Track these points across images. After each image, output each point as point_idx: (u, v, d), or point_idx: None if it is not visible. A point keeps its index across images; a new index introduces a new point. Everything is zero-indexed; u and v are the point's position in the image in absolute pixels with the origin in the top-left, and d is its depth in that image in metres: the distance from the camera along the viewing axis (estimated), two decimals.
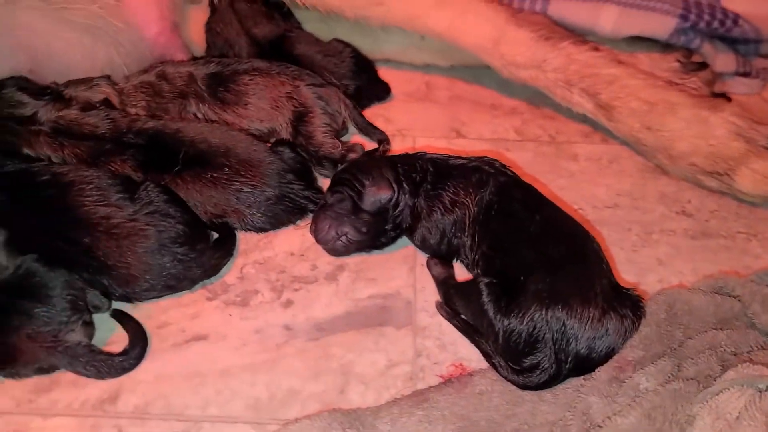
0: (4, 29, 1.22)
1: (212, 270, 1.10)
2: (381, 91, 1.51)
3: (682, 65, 1.48)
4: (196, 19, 1.50)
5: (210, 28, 1.47)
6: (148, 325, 1.03)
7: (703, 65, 1.48)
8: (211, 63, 1.35)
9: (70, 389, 0.96)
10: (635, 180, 1.32)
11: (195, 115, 1.32)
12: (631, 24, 1.51)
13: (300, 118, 1.29)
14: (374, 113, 1.46)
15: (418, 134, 1.43)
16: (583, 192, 1.28)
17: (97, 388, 0.96)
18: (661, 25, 1.49)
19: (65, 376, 0.97)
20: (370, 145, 1.35)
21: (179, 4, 1.47)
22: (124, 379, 0.97)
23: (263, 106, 1.31)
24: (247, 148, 1.18)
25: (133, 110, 1.31)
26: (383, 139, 1.33)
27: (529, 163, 1.34)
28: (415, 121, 1.46)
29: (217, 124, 1.28)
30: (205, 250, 1.08)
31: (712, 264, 1.14)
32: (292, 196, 1.16)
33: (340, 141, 1.30)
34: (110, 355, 0.98)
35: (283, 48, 1.43)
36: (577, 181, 1.31)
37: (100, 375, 0.97)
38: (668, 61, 1.49)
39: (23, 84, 1.25)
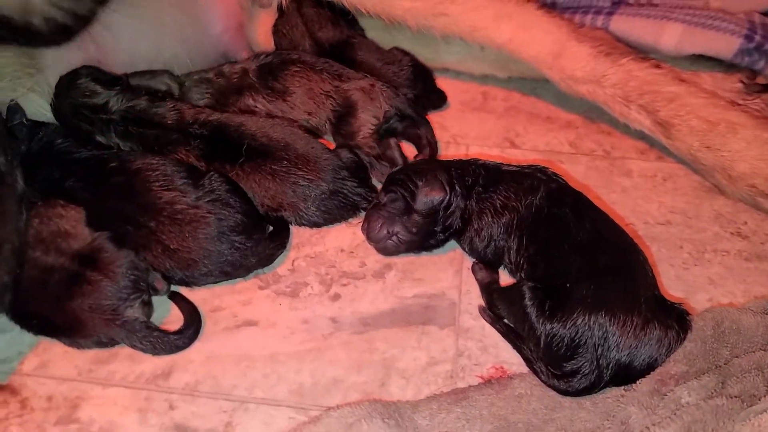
0: None
1: (266, 260, 1.15)
2: (437, 100, 1.55)
3: (745, 86, 1.47)
4: (264, 23, 1.58)
5: (277, 29, 1.54)
6: (202, 309, 1.10)
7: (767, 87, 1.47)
8: (261, 55, 1.43)
9: (127, 363, 1.03)
10: (690, 198, 1.32)
11: (253, 108, 1.39)
12: (694, 42, 1.51)
13: (342, 117, 1.34)
14: (429, 120, 1.50)
15: (472, 142, 1.46)
16: (635, 207, 1.29)
17: (151, 363, 1.03)
18: (725, 44, 1.49)
19: (123, 351, 1.04)
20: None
21: (247, 6, 1.54)
22: (177, 357, 1.03)
23: (306, 100, 1.38)
24: (306, 144, 1.23)
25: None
26: (428, 134, 1.37)
27: (582, 176, 1.35)
28: (469, 130, 1.50)
29: (278, 119, 1.34)
30: (261, 240, 1.14)
31: (765, 287, 1.14)
32: (345, 192, 1.21)
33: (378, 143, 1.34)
34: (165, 332, 1.05)
35: (345, 53, 1.49)
36: (629, 196, 1.32)
37: (155, 351, 1.03)
38: (731, 81, 1.48)
39: (96, 74, 1.33)
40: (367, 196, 1.23)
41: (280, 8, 1.54)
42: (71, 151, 1.24)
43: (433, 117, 1.52)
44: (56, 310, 1.03)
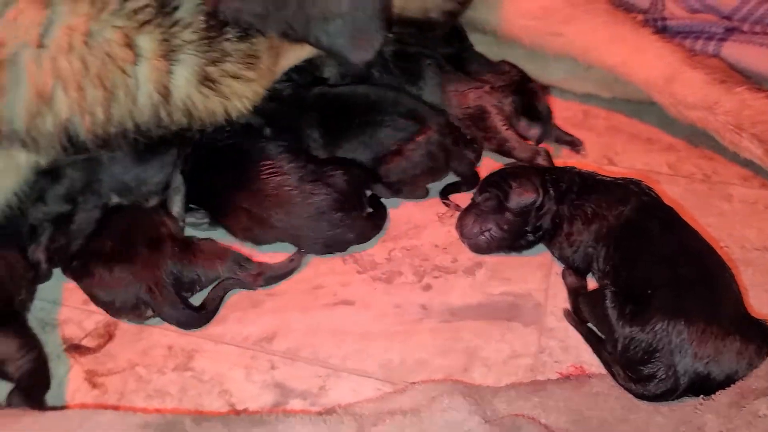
0: None
1: (363, 237, 1.28)
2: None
3: None
4: None
5: None
6: (305, 285, 1.23)
7: None
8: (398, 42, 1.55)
9: (237, 325, 1.18)
10: None
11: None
12: None
13: (476, 118, 1.47)
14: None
15: (569, 157, 1.53)
16: (731, 231, 1.32)
17: (257, 328, 1.17)
18: None
19: (233, 314, 1.19)
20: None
21: None
22: (280, 324, 1.17)
23: (436, 91, 1.50)
24: (412, 101, 1.40)
25: None
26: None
27: (679, 196, 1.39)
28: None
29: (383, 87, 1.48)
30: (358, 218, 1.26)
31: None
32: (446, 145, 1.37)
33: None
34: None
35: (455, 66, 1.60)
36: (727, 220, 1.35)
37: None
38: None
39: None
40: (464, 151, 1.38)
41: None
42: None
43: None
44: None
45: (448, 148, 1.38)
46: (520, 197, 1.18)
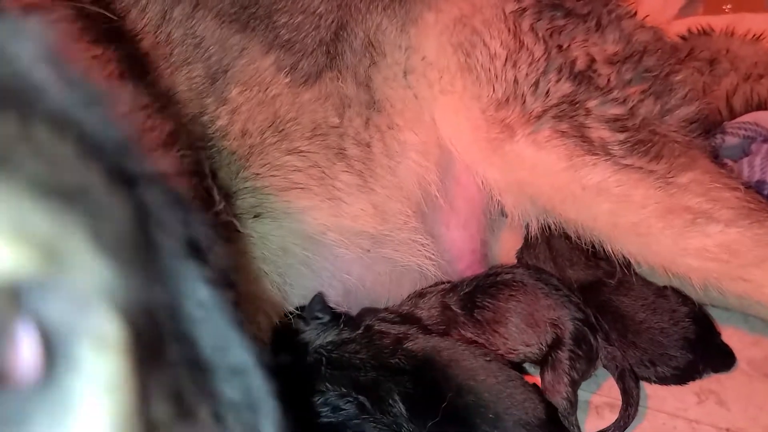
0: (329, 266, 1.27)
1: None
2: (721, 361, 1.25)
3: None
4: (507, 240, 1.44)
5: (520, 259, 1.39)
6: None
7: None
8: (463, 282, 1.29)
9: None
10: None
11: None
12: None
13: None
14: (703, 388, 1.23)
15: None
16: None
17: None
18: None
19: None
20: None
21: (490, 219, 1.41)
22: None
23: (525, 328, 1.22)
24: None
25: None
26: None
27: None
28: (759, 415, 1.19)
29: (494, 362, 1.16)
30: None
31: None
32: None
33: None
34: None
35: (597, 296, 1.29)
36: None
37: None
38: None
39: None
40: None
41: (526, 238, 1.37)
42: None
43: (711, 383, 1.24)
44: None
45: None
46: None
